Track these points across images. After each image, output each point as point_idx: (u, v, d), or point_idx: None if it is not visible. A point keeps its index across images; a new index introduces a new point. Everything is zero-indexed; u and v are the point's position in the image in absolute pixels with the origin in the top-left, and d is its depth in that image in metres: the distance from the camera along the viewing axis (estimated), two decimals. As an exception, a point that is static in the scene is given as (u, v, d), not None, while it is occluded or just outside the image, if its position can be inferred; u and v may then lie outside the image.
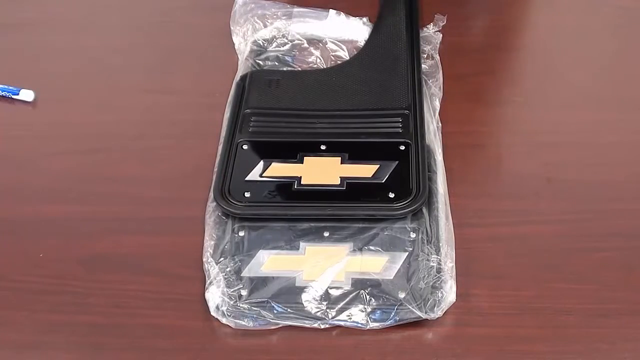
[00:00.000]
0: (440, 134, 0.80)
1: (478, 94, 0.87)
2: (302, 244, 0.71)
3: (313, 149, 0.78)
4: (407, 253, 0.70)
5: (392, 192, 0.74)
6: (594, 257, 0.72)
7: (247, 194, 0.74)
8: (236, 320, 0.67)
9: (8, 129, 0.85)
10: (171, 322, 0.69)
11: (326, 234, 0.72)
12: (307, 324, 0.67)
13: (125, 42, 0.93)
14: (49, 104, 0.86)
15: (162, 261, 0.72)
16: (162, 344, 0.67)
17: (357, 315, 0.67)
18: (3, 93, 0.86)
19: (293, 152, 0.77)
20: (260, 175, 0.76)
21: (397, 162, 0.76)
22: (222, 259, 0.70)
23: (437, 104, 0.83)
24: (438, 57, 0.88)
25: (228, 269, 0.69)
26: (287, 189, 0.75)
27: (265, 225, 0.72)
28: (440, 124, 0.81)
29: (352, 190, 0.74)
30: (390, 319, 0.66)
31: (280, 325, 0.67)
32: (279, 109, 0.83)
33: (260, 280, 0.69)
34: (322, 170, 0.76)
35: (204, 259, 0.70)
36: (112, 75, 0.89)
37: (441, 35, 0.91)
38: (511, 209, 0.76)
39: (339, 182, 0.74)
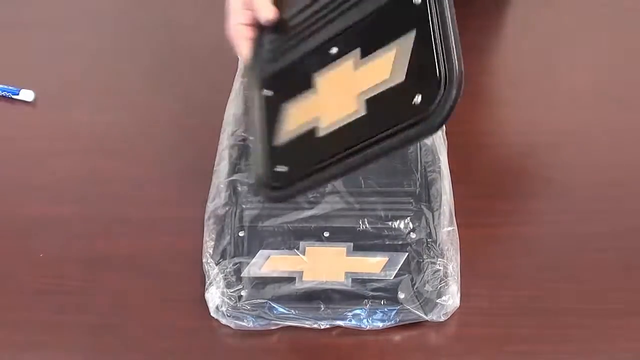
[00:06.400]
0: (445, 134, 0.80)
1: (478, 94, 0.87)
2: (302, 244, 0.71)
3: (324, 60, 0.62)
4: (407, 253, 0.70)
5: (418, 93, 0.57)
6: (594, 257, 0.72)
7: (279, 168, 0.63)
8: (236, 321, 0.67)
9: (8, 129, 0.85)
10: (171, 322, 0.69)
11: (326, 234, 0.72)
12: (307, 324, 0.67)
13: (125, 42, 0.93)
14: (49, 104, 0.86)
15: (162, 261, 0.72)
16: (162, 344, 0.68)
17: (357, 316, 0.67)
18: (3, 93, 0.86)
19: (307, 76, 0.63)
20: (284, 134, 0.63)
21: (414, 30, 0.59)
22: (221, 259, 0.70)
23: (438, 104, 0.83)
24: (438, 57, 0.88)
25: (228, 270, 0.69)
26: (310, 137, 0.61)
27: (265, 225, 0.72)
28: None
29: (373, 110, 0.58)
30: (391, 320, 0.66)
31: (280, 326, 0.67)
32: None
33: (260, 281, 0.69)
34: (338, 92, 0.61)
35: (204, 260, 0.70)
36: (112, 75, 0.89)
37: (441, 35, 0.90)
38: (511, 209, 0.76)
39: (359, 106, 0.59)
